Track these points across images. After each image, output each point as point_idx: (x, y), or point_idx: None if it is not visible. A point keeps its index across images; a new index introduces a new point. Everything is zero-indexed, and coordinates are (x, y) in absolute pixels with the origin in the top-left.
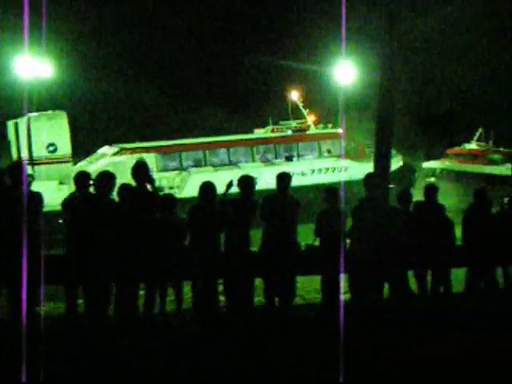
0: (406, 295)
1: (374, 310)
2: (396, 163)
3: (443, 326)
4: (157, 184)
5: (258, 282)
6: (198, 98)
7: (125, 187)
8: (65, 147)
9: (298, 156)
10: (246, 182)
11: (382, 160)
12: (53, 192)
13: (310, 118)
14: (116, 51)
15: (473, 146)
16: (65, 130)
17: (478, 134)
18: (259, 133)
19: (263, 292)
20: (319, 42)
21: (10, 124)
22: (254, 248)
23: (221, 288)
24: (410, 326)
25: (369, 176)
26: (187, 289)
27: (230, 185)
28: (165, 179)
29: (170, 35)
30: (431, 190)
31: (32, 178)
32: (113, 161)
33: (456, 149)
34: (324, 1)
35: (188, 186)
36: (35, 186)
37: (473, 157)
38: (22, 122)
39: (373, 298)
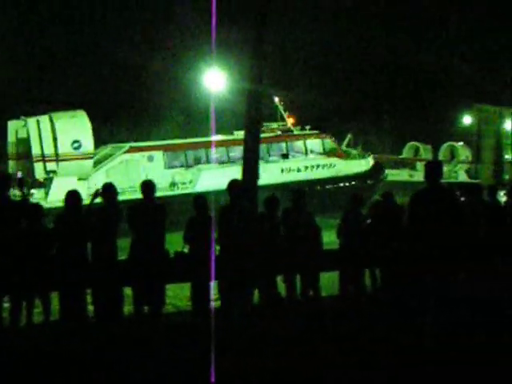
0: (275, 300)
1: (244, 315)
2: (369, 163)
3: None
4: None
5: (128, 290)
6: None
7: None
8: (89, 144)
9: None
10: (110, 190)
11: (250, 167)
12: (73, 188)
13: (289, 121)
14: None
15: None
16: (88, 127)
17: (347, 140)
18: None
19: (132, 300)
20: (191, 49)
21: (32, 121)
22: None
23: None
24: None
25: (233, 183)
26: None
27: (96, 194)
28: (178, 175)
29: None
30: (298, 195)
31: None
32: (123, 159)
33: None
34: (194, 9)
35: (200, 182)
36: (57, 182)
37: None
38: (45, 120)
39: (242, 304)
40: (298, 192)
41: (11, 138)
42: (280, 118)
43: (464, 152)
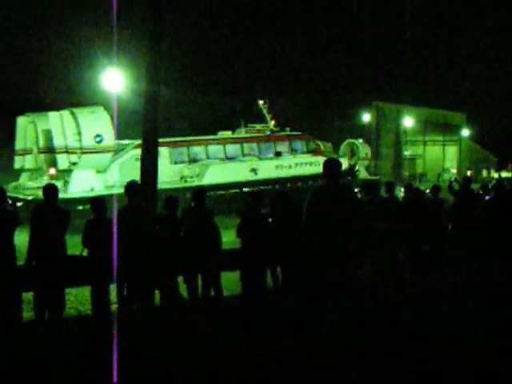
0: (175, 301)
1: (146, 316)
2: (346, 162)
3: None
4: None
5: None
6: None
7: None
8: (110, 138)
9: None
10: (1, 194)
11: (148, 168)
12: (92, 180)
13: (272, 122)
14: None
15: None
16: (108, 122)
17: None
18: (227, 134)
19: (33, 305)
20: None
21: (54, 115)
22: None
23: None
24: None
25: (130, 184)
26: None
27: None
28: (186, 169)
29: None
30: (199, 194)
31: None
32: (134, 154)
33: None
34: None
35: (207, 175)
36: (77, 174)
37: None
38: (67, 115)
39: (145, 306)
40: (199, 191)
41: (19, 133)
42: (264, 119)
43: (364, 149)
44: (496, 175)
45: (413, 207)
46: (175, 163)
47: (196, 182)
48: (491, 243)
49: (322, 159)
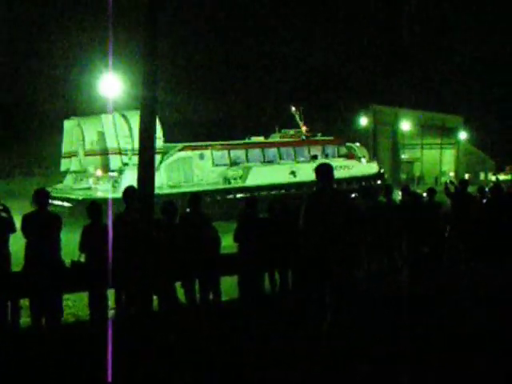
0: (174, 306)
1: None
2: (376, 166)
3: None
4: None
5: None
6: None
7: None
8: (159, 140)
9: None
10: None
11: (146, 174)
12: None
13: (304, 128)
14: None
15: None
16: (158, 125)
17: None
18: (259, 139)
19: (30, 311)
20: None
21: (107, 118)
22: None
23: None
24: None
25: (128, 189)
26: None
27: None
28: (230, 171)
29: None
30: (194, 199)
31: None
32: (179, 156)
33: None
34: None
35: (250, 177)
36: (129, 174)
37: None
38: (119, 117)
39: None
40: (194, 196)
41: (66, 136)
42: (296, 125)
43: (361, 152)
44: (494, 178)
45: (410, 210)
46: (217, 166)
47: (239, 184)
48: (489, 246)
49: (354, 163)
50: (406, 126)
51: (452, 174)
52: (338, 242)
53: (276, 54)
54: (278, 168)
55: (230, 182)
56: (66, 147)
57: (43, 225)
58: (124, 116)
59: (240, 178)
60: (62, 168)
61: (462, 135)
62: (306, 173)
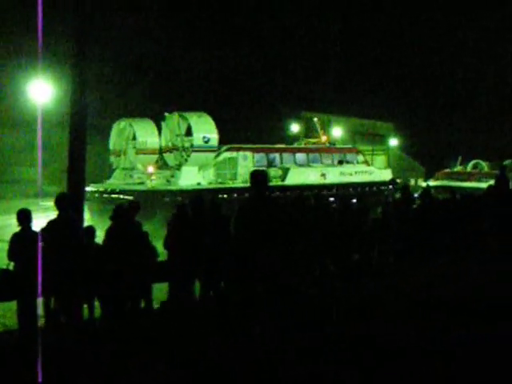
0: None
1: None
2: (391, 173)
3: None
4: None
5: None
6: None
7: None
8: (215, 140)
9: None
10: None
11: (76, 180)
12: (197, 175)
13: (323, 137)
14: None
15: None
16: (213, 125)
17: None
18: (282, 146)
19: None
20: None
21: (172, 117)
22: None
23: None
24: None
25: (61, 196)
26: None
27: None
28: (273, 171)
29: None
30: (133, 208)
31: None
32: (226, 156)
33: None
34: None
35: (288, 177)
36: (186, 170)
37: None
38: (177, 118)
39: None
40: (134, 205)
41: (117, 135)
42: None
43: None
44: (424, 184)
45: (341, 216)
46: (257, 166)
47: (279, 183)
48: (418, 247)
49: (373, 169)
50: (337, 132)
51: None
52: (264, 248)
53: (194, 58)
54: (312, 170)
55: (271, 181)
56: (115, 145)
57: None
58: (184, 117)
59: (279, 177)
60: (114, 165)
61: (393, 142)
62: (334, 176)
